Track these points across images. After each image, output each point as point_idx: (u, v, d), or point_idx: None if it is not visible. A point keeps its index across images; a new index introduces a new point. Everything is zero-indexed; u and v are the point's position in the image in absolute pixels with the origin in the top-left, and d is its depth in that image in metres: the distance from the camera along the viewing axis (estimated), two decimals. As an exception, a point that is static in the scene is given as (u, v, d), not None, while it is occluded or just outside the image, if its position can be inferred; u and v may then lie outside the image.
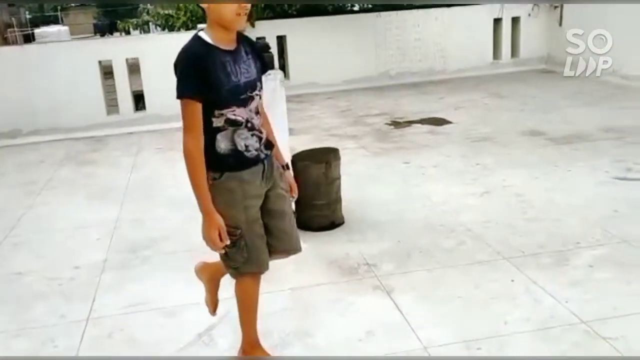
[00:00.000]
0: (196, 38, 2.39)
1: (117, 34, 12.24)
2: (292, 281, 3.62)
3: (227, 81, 2.36)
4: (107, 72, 8.24)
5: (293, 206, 2.84)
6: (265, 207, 2.60)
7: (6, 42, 27.54)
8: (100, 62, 7.97)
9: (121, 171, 6.06)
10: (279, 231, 2.64)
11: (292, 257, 3.87)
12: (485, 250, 3.89)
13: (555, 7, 10.65)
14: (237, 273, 2.64)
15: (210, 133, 2.40)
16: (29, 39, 27.76)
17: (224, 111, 2.39)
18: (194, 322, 3.18)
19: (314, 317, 3.24)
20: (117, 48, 8.06)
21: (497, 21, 10.80)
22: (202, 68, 2.31)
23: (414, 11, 10.49)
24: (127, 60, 7.99)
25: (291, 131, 7.51)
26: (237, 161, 2.45)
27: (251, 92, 2.46)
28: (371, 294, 3.43)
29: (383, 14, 10.37)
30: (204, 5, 2.37)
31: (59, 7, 37.81)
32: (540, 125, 7.02)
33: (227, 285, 2.80)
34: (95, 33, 30.19)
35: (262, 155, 2.53)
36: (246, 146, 2.46)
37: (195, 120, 2.33)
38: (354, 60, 10.32)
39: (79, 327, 3.25)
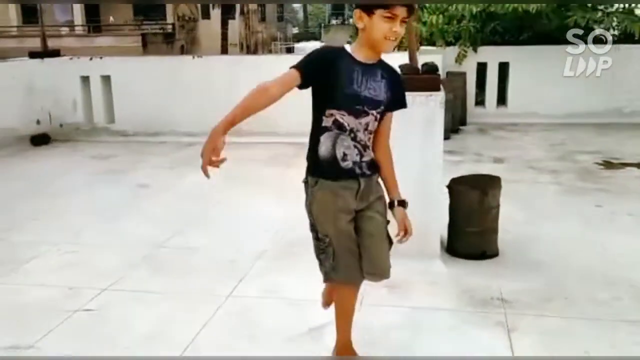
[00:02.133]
0: (339, 46, 2.60)
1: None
2: (416, 300, 3.65)
3: (348, 86, 2.49)
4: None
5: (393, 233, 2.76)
6: (357, 226, 2.67)
7: (270, 53, 31.03)
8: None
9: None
10: (364, 251, 2.68)
11: (428, 278, 3.96)
12: (641, 311, 3.47)
13: None
14: (325, 278, 2.78)
15: (318, 132, 2.57)
16: (290, 51, 30.86)
17: (334, 112, 2.52)
18: (314, 317, 3.37)
19: (420, 338, 3.23)
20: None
21: None
22: (326, 63, 2.48)
23: (660, 45, 9.45)
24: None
25: (490, 159, 7.42)
26: (332, 169, 2.57)
27: (368, 109, 2.55)
28: (490, 329, 3.30)
29: (622, 46, 9.51)
30: (359, 25, 2.51)
31: (322, 24, 41.21)
32: None
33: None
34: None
35: (359, 171, 2.59)
36: (344, 154, 2.55)
37: (286, 84, 2.43)
38: (582, 93, 9.62)
39: (218, 301, 3.67)
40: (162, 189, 6.40)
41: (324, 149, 2.57)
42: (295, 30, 42.01)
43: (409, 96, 3.99)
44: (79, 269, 4.22)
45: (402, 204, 2.73)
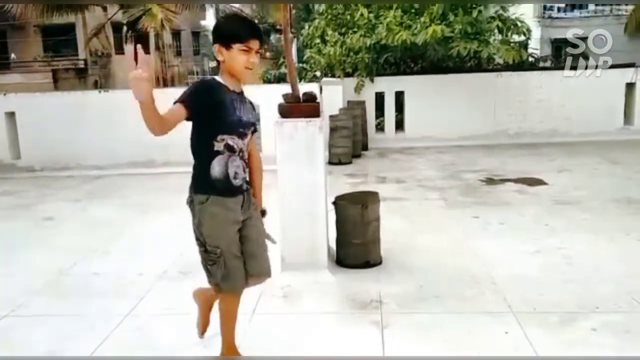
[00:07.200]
0: (211, 78, 2.95)
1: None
2: (304, 307, 4.00)
3: (233, 113, 2.86)
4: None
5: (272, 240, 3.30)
6: (242, 234, 3.03)
7: (186, 86, 31.25)
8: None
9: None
10: (250, 255, 3.05)
11: (317, 287, 4.32)
12: (499, 303, 3.96)
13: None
14: (218, 289, 3.08)
15: (210, 156, 2.87)
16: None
17: (225, 137, 2.87)
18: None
19: (303, 338, 3.58)
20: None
21: (630, 86, 10.35)
22: (211, 95, 2.80)
23: (536, 73, 10.43)
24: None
25: (384, 179, 7.97)
26: (225, 187, 2.91)
27: (247, 130, 2.97)
28: (366, 327, 3.69)
29: (504, 74, 10.44)
30: (220, 58, 2.87)
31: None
32: (640, 194, 6.71)
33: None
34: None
35: (245, 187, 3.00)
36: (235, 173, 2.92)
37: (172, 120, 2.61)
38: (471, 117, 10.45)
39: (117, 320, 3.88)
40: (67, 220, 6.51)
41: (217, 170, 2.89)
42: (214, 64, 42.39)
43: (292, 122, 4.45)
44: (-21, 299, 4.32)
45: (264, 213, 3.25)
